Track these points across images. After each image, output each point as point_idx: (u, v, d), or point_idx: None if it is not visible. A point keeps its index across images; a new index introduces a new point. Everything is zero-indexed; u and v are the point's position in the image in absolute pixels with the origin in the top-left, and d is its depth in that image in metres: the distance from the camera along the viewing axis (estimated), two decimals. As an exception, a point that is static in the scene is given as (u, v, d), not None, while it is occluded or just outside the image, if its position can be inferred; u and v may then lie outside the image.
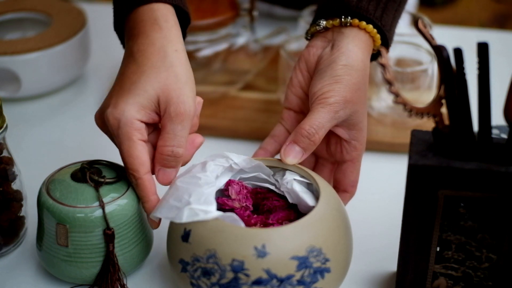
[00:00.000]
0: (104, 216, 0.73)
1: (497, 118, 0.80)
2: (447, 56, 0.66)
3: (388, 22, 0.81)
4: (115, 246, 0.74)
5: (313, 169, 0.84)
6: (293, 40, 1.06)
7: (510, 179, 0.66)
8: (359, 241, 0.80)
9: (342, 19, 0.80)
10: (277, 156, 0.80)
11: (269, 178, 0.78)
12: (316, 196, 0.75)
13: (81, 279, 0.76)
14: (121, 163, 0.75)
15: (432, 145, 0.69)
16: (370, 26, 0.80)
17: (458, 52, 0.65)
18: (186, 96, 0.74)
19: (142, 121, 0.74)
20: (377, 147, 0.98)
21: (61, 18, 1.11)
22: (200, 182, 0.72)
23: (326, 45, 0.81)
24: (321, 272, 0.69)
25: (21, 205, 0.82)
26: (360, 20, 0.80)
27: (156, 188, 0.75)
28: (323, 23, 0.81)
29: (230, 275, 0.68)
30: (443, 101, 0.68)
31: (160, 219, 0.75)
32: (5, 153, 0.80)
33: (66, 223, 0.73)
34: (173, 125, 0.74)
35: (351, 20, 0.80)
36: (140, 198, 0.75)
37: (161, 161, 0.75)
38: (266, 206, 0.77)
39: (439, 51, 0.66)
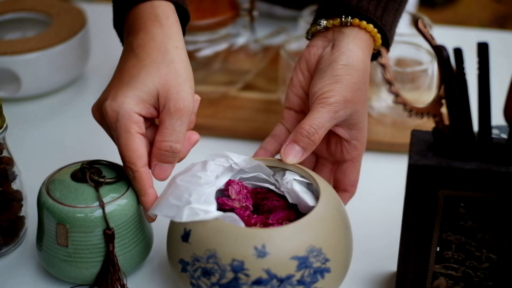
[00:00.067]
0: (104, 216, 0.73)
1: (497, 118, 0.80)
2: (447, 56, 0.66)
3: (388, 21, 0.81)
4: (115, 246, 0.74)
5: (313, 169, 0.84)
6: (293, 40, 1.06)
7: (510, 179, 0.66)
8: (359, 241, 0.80)
9: (343, 19, 0.80)
10: (277, 156, 0.80)
11: (269, 178, 0.78)
12: (316, 196, 0.75)
13: (81, 279, 0.76)
14: (121, 163, 0.75)
15: (432, 145, 0.69)
16: (371, 25, 0.80)
17: (458, 52, 0.65)
18: (185, 92, 0.74)
19: (140, 115, 0.73)
20: (377, 147, 0.98)
21: (61, 18, 1.11)
22: (201, 181, 0.72)
23: (327, 45, 0.81)
24: (321, 272, 0.69)
25: (21, 205, 0.82)
26: (360, 19, 0.80)
27: (153, 182, 0.75)
28: (324, 22, 0.81)
29: (230, 275, 0.68)
30: (443, 101, 0.68)
31: None
32: (5, 153, 0.80)
33: (66, 223, 0.73)
34: (172, 121, 0.74)
35: (351, 20, 0.80)
36: (137, 192, 0.75)
37: (159, 156, 0.75)
38: (266, 206, 0.77)
39: (439, 51, 0.66)
